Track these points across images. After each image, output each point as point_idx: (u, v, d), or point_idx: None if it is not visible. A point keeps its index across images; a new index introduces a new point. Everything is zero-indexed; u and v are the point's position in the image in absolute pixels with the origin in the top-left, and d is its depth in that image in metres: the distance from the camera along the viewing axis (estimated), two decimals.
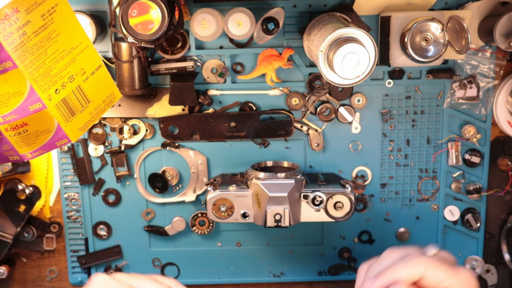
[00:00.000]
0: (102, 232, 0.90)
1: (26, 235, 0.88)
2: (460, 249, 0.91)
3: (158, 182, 0.87)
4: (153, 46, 0.72)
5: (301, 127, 0.87)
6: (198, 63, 0.84)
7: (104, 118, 0.86)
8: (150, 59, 0.81)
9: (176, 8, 0.70)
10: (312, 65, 0.84)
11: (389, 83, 0.85)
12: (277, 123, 0.86)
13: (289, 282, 0.94)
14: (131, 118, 0.86)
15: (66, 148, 0.87)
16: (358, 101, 0.86)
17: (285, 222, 0.76)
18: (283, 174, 0.77)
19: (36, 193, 0.86)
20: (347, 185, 0.77)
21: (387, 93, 0.86)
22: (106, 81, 0.68)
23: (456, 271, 0.57)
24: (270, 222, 0.76)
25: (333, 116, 0.86)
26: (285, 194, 0.75)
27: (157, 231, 0.90)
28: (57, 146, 0.65)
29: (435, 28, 0.72)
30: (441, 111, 0.86)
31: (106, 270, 0.91)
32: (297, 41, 0.83)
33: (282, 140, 0.88)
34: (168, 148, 0.87)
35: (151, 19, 0.65)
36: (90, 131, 0.87)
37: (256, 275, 0.93)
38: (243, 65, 0.85)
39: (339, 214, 0.77)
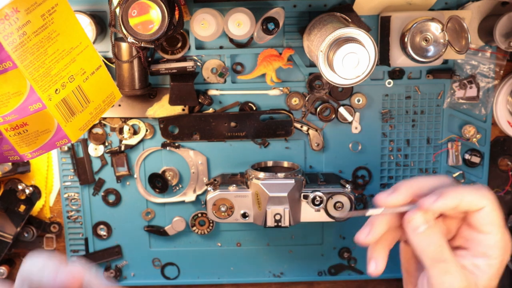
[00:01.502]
0: (102, 232, 0.90)
1: (26, 235, 0.88)
2: None
3: (158, 182, 0.87)
4: (153, 46, 0.72)
5: (301, 127, 0.87)
6: (198, 63, 0.84)
7: (104, 118, 0.86)
8: (150, 59, 0.81)
9: (176, 8, 0.70)
10: (312, 65, 0.84)
11: (389, 83, 0.85)
12: (277, 123, 0.86)
13: (289, 282, 0.94)
14: (131, 118, 0.86)
15: (66, 148, 0.87)
16: (358, 101, 0.86)
17: (285, 222, 0.76)
18: (283, 174, 0.77)
19: (36, 193, 0.86)
20: (347, 185, 0.77)
21: (387, 93, 0.86)
22: (106, 81, 0.68)
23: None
24: (270, 222, 0.76)
25: (333, 116, 0.86)
26: (285, 194, 0.75)
27: (157, 231, 0.90)
28: (57, 146, 0.65)
29: (435, 28, 0.72)
30: (441, 111, 0.86)
31: (106, 270, 0.91)
32: (297, 41, 0.83)
33: (282, 140, 0.88)
34: (168, 148, 0.87)
35: (151, 19, 0.65)
36: (90, 131, 0.87)
37: (256, 275, 0.93)
38: (243, 65, 0.85)
39: (339, 214, 0.77)
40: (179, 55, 0.82)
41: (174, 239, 0.91)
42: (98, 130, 0.87)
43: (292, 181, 0.76)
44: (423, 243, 0.50)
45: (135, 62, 0.78)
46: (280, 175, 0.77)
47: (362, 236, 0.52)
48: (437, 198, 0.50)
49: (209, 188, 0.78)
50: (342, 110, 0.86)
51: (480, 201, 0.51)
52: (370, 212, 0.52)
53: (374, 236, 0.52)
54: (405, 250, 0.57)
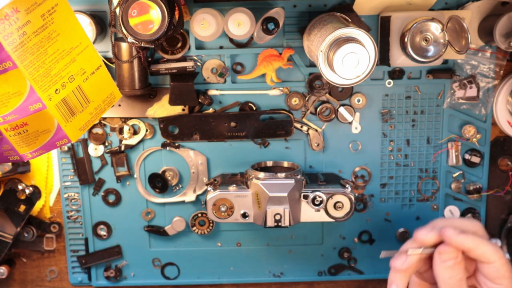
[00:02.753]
0: (102, 232, 0.90)
1: (26, 235, 0.88)
2: None
3: (158, 182, 0.87)
4: (153, 46, 0.72)
5: (301, 127, 0.87)
6: (198, 63, 0.84)
7: (104, 118, 0.86)
8: (150, 59, 0.81)
9: (176, 8, 0.70)
10: (312, 65, 0.84)
11: (389, 83, 0.85)
12: (277, 123, 0.86)
13: (289, 282, 0.94)
14: (131, 118, 0.86)
15: (66, 148, 0.87)
16: (358, 101, 0.86)
17: (285, 222, 0.76)
18: (283, 174, 0.77)
19: (36, 193, 0.86)
20: (347, 185, 0.77)
21: (387, 93, 0.86)
22: (106, 81, 0.68)
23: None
24: (270, 222, 0.76)
25: (333, 116, 0.86)
26: (285, 194, 0.75)
27: (157, 231, 0.90)
28: (57, 146, 0.65)
29: (435, 28, 0.72)
30: (441, 111, 0.86)
31: (106, 270, 0.91)
32: (297, 41, 0.83)
33: (282, 140, 0.88)
34: (168, 148, 0.87)
35: (151, 19, 0.65)
36: (90, 131, 0.87)
37: (256, 275, 0.93)
38: (243, 65, 0.85)
39: (339, 214, 0.77)
40: (179, 55, 0.82)
41: (174, 239, 0.91)
42: (98, 130, 0.87)
43: (292, 181, 0.76)
44: (447, 275, 0.56)
45: (135, 62, 0.78)
46: (280, 175, 0.77)
47: (398, 264, 0.58)
48: (459, 234, 0.56)
49: (209, 188, 0.78)
50: (342, 110, 0.86)
51: (492, 255, 0.56)
52: (410, 252, 0.58)
53: (408, 266, 0.58)
54: (417, 283, 0.63)
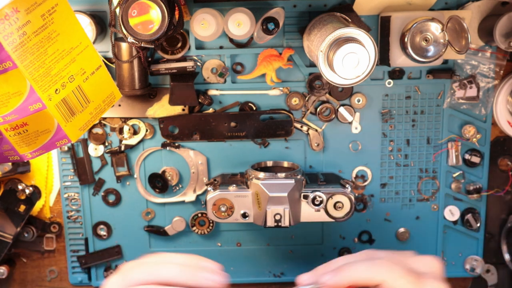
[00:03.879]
0: (102, 232, 0.90)
1: (26, 235, 0.88)
2: (460, 249, 0.91)
3: (158, 182, 0.87)
4: (153, 46, 0.72)
5: (301, 127, 0.87)
6: (198, 63, 0.84)
7: (104, 118, 0.86)
8: (150, 59, 0.81)
9: (176, 8, 0.70)
10: (312, 65, 0.84)
11: (389, 83, 0.85)
12: (277, 123, 0.86)
13: (289, 282, 0.94)
14: (131, 118, 0.86)
15: (66, 148, 0.87)
16: (358, 101, 0.86)
17: (285, 222, 0.76)
18: (283, 174, 0.77)
19: (36, 193, 0.86)
20: (347, 185, 0.77)
21: (387, 93, 0.86)
22: (106, 81, 0.68)
23: (422, 284, 0.52)
24: (270, 222, 0.76)
25: (333, 116, 0.86)
26: (285, 194, 0.75)
27: (157, 231, 0.90)
28: (57, 146, 0.65)
29: (435, 28, 0.72)
30: (441, 111, 0.86)
31: (106, 270, 0.91)
32: (297, 41, 0.83)
33: (282, 140, 0.88)
34: (168, 148, 0.87)
35: (151, 19, 0.65)
36: (90, 131, 0.87)
37: (256, 275, 0.93)
38: (243, 65, 0.85)
39: (339, 214, 0.77)
40: (179, 55, 0.82)
41: (174, 239, 0.91)
42: (98, 130, 0.87)
43: (292, 181, 0.76)
44: None
45: (135, 62, 0.78)
46: (280, 175, 0.77)
47: None
48: (332, 276, 0.54)
49: (209, 188, 0.78)
50: (342, 110, 0.86)
51: (376, 276, 0.52)
52: None
53: None
54: None
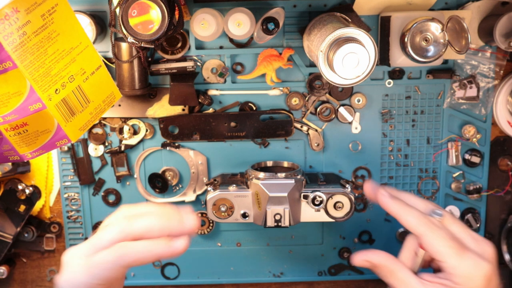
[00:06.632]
0: None
1: (26, 235, 0.88)
2: None
3: (158, 182, 0.87)
4: (153, 46, 0.72)
5: (301, 127, 0.87)
6: (198, 63, 0.84)
7: (104, 118, 0.86)
8: (150, 59, 0.81)
9: (176, 8, 0.70)
10: (312, 65, 0.84)
11: (389, 83, 0.85)
12: (277, 123, 0.86)
13: (289, 282, 0.94)
14: (131, 118, 0.86)
15: (66, 148, 0.87)
16: (358, 101, 0.86)
17: (285, 222, 0.76)
18: (283, 174, 0.77)
19: (36, 193, 0.86)
20: (347, 185, 0.77)
21: (387, 93, 0.86)
22: (106, 81, 0.68)
23: (463, 254, 0.55)
24: (270, 222, 0.76)
25: (333, 116, 0.86)
26: (285, 194, 0.75)
27: None
28: (57, 146, 0.65)
29: (435, 28, 0.72)
30: (441, 111, 0.86)
31: None
32: (297, 41, 0.83)
33: (282, 140, 0.88)
34: (168, 148, 0.87)
35: (151, 19, 0.65)
36: (90, 131, 0.87)
37: (256, 275, 0.93)
38: (243, 65, 0.85)
39: (339, 214, 0.77)
40: (179, 55, 0.82)
41: None
42: (98, 130, 0.87)
43: (292, 181, 0.76)
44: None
45: (135, 62, 0.78)
46: (280, 175, 0.77)
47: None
48: (389, 198, 0.59)
49: (209, 188, 0.78)
50: (342, 110, 0.86)
51: (415, 227, 0.57)
52: None
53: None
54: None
